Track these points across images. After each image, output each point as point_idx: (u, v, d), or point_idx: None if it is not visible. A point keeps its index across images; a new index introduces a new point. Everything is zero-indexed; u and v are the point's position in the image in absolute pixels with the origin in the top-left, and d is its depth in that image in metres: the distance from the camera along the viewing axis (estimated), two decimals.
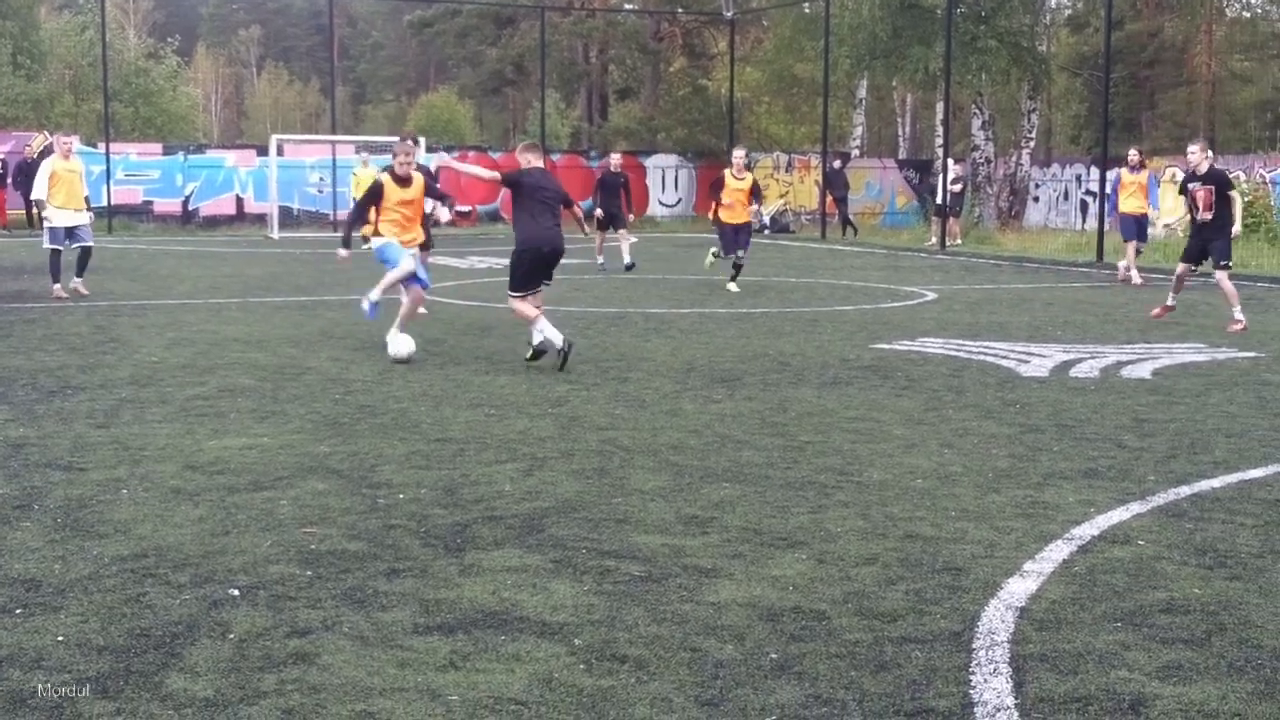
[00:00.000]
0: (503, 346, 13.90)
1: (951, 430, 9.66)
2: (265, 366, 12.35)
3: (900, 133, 63.37)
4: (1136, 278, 23.45)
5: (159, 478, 7.91)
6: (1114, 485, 7.95)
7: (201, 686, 4.72)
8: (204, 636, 5.24)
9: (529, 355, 12.65)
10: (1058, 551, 6.53)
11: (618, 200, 25.56)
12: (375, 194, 13.06)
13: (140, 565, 6.16)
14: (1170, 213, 26.13)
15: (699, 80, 58.29)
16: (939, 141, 42.00)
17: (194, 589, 5.83)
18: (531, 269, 12.64)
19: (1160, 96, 61.50)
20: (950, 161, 36.45)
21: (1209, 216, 16.64)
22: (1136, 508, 7.41)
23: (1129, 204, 23.63)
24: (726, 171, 21.44)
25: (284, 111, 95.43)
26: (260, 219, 39.83)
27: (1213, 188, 16.56)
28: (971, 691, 4.75)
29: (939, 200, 35.87)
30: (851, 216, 40.49)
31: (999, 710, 4.57)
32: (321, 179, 41.81)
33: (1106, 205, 28.59)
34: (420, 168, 14.75)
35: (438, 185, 15.17)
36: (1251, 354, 14.00)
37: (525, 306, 12.56)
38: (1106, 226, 30.98)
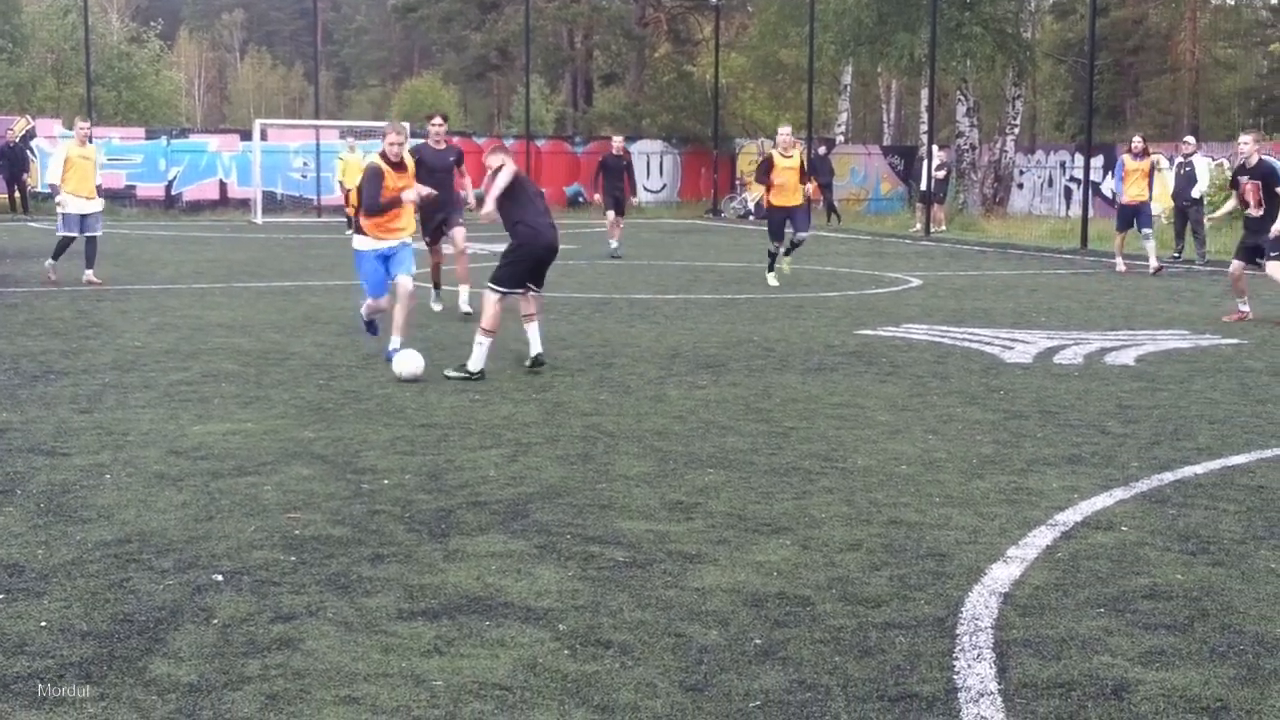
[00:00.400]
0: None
1: (936, 416, 9.67)
2: (249, 352, 12.33)
3: (885, 119, 63.36)
4: (1121, 265, 23.27)
5: (142, 463, 7.89)
6: (1097, 471, 7.97)
7: (185, 672, 4.72)
8: (188, 622, 5.23)
9: (454, 371, 11.11)
10: (1041, 537, 6.55)
11: (620, 184, 25.28)
12: (377, 180, 11.67)
13: (124, 551, 6.15)
14: (1160, 199, 25.76)
15: (684, 66, 58.28)
16: (924, 128, 42.02)
17: (178, 574, 5.82)
18: (530, 267, 11.45)
19: (1144, 83, 61.60)
20: (935, 148, 36.46)
21: (1259, 213, 15.90)
22: (1120, 494, 7.43)
23: (1129, 192, 22.99)
24: (773, 151, 20.23)
25: (267, 96, 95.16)
26: (244, 204, 39.73)
27: (1259, 183, 15.84)
28: (955, 677, 4.76)
29: (924, 186, 35.89)
30: (835, 203, 40.49)
31: (982, 695, 4.59)
32: (305, 164, 41.70)
33: (1110, 191, 28.25)
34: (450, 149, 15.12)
35: (462, 164, 15.37)
36: (1234, 341, 14.04)
37: (498, 310, 11.17)
38: (1091, 212, 31.03)
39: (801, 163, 19.69)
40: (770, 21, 50.11)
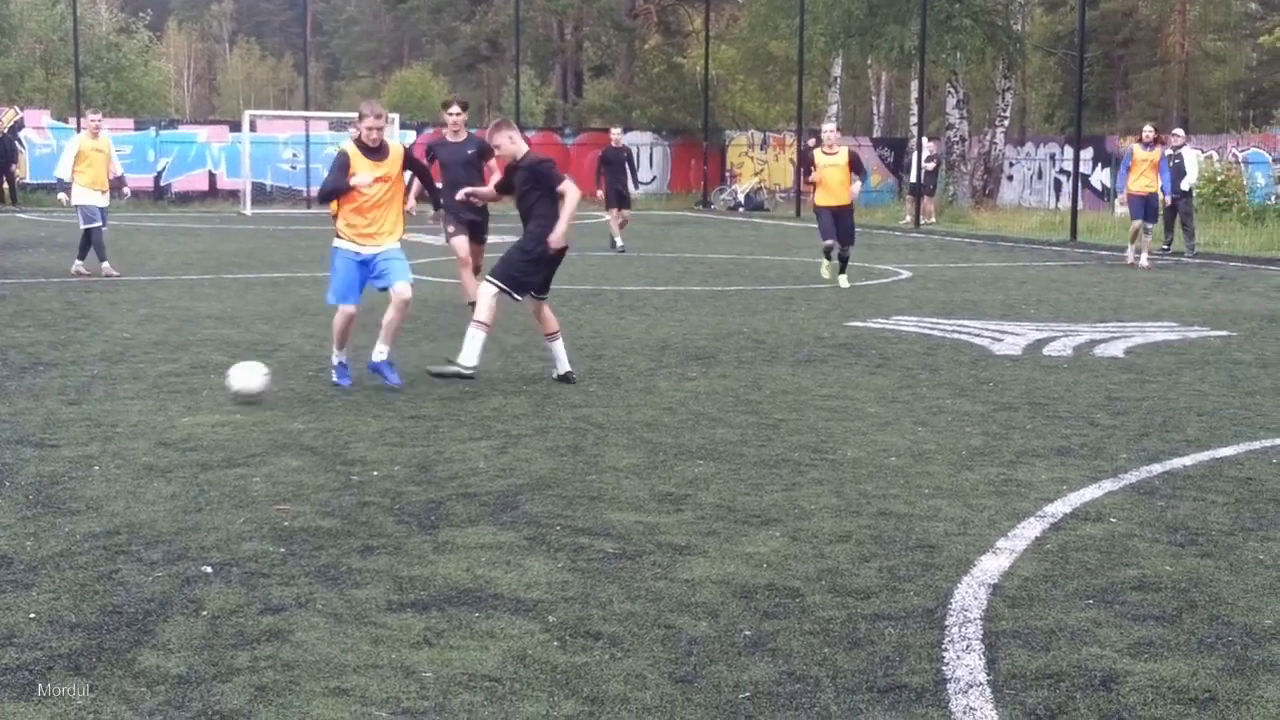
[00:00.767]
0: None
1: (925, 408, 9.68)
2: (238, 343, 12.31)
3: (875, 111, 63.35)
4: (1144, 260, 22.90)
5: (131, 454, 7.88)
6: (1086, 463, 7.98)
7: (174, 664, 4.71)
8: (177, 613, 5.22)
9: (440, 369, 10.28)
10: (1030, 529, 6.56)
11: (623, 177, 24.76)
12: (341, 168, 10.01)
13: (112, 542, 6.14)
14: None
15: (674, 58, 58.23)
16: (914, 120, 42.02)
17: (166, 566, 5.82)
18: (543, 272, 10.45)
19: (1134, 76, 61.64)
20: (925, 140, 36.46)
21: None
22: (1108, 485, 7.44)
23: (1139, 183, 22.80)
24: (816, 149, 19.39)
25: (257, 87, 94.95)
26: (233, 195, 39.67)
27: None
28: (944, 668, 4.77)
29: (913, 179, 35.90)
30: None
31: (971, 686, 4.59)
32: (295, 155, 41.63)
33: (1116, 182, 28.04)
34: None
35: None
36: (1223, 333, 14.07)
37: (495, 305, 10.25)
38: (1080, 204, 31.06)
39: (850, 160, 18.47)
40: (760, 13, 50.07)
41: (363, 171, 9.93)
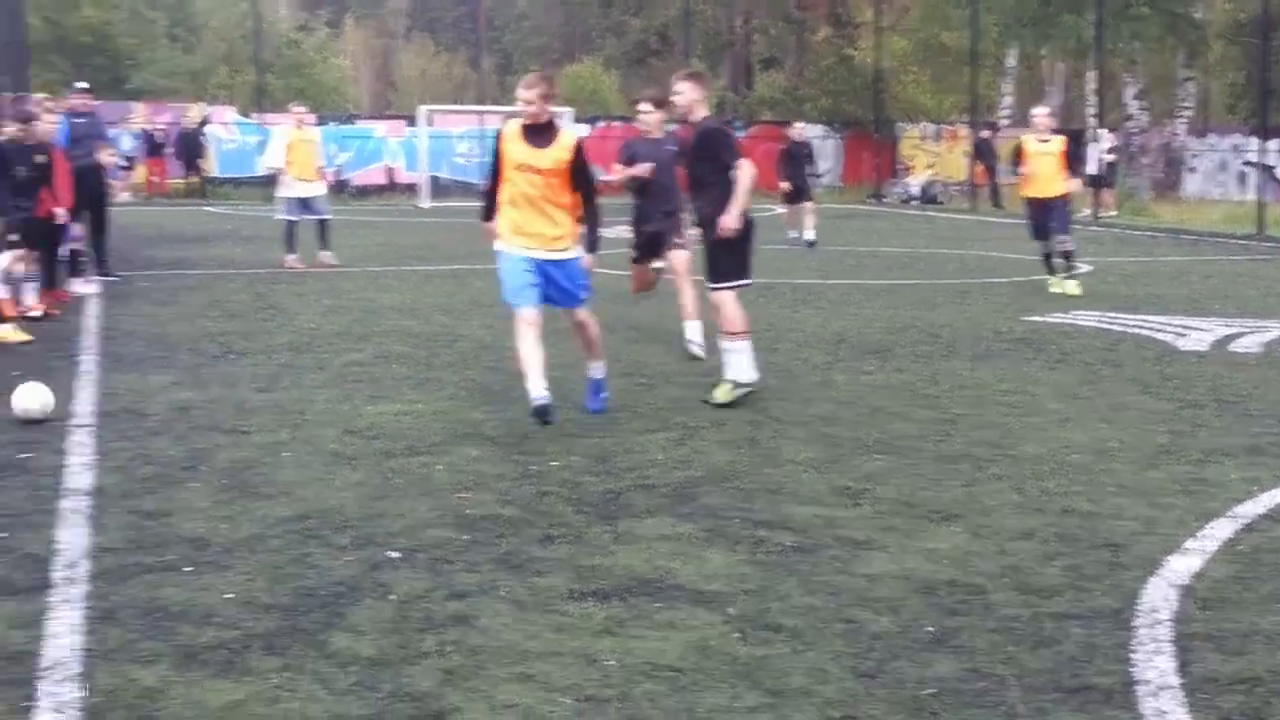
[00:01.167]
0: (652, 317, 13.92)
1: (1108, 404, 9.50)
2: (419, 334, 12.53)
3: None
4: None
5: (319, 441, 8.08)
6: (1279, 463, 7.76)
7: (364, 646, 4.83)
8: (366, 597, 5.35)
9: (721, 396, 9.36)
10: (1221, 529, 6.40)
11: (803, 171, 24.52)
12: (494, 152, 8.65)
13: (303, 526, 6.30)
14: None
15: (844, 50, 57.75)
16: (1091, 111, 41.17)
17: (355, 550, 5.96)
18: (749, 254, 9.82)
19: None
20: (1104, 131, 35.70)
21: None
22: None
23: None
24: (1025, 136, 17.37)
25: (432, 82, 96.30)
26: (410, 188, 40.29)
27: None
28: (1133, 670, 4.69)
29: (1091, 171, 35.18)
30: (999, 187, 39.79)
31: (1162, 689, 4.51)
32: (469, 149, 42.16)
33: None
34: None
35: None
36: None
37: (738, 306, 9.64)
38: (1267, 197, 30.18)
39: (1065, 149, 16.59)
40: (932, 4, 49.39)
41: (517, 154, 8.45)
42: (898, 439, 8.32)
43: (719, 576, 5.67)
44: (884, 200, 42.94)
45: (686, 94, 9.42)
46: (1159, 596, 5.44)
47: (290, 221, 18.97)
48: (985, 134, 40.28)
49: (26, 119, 13.17)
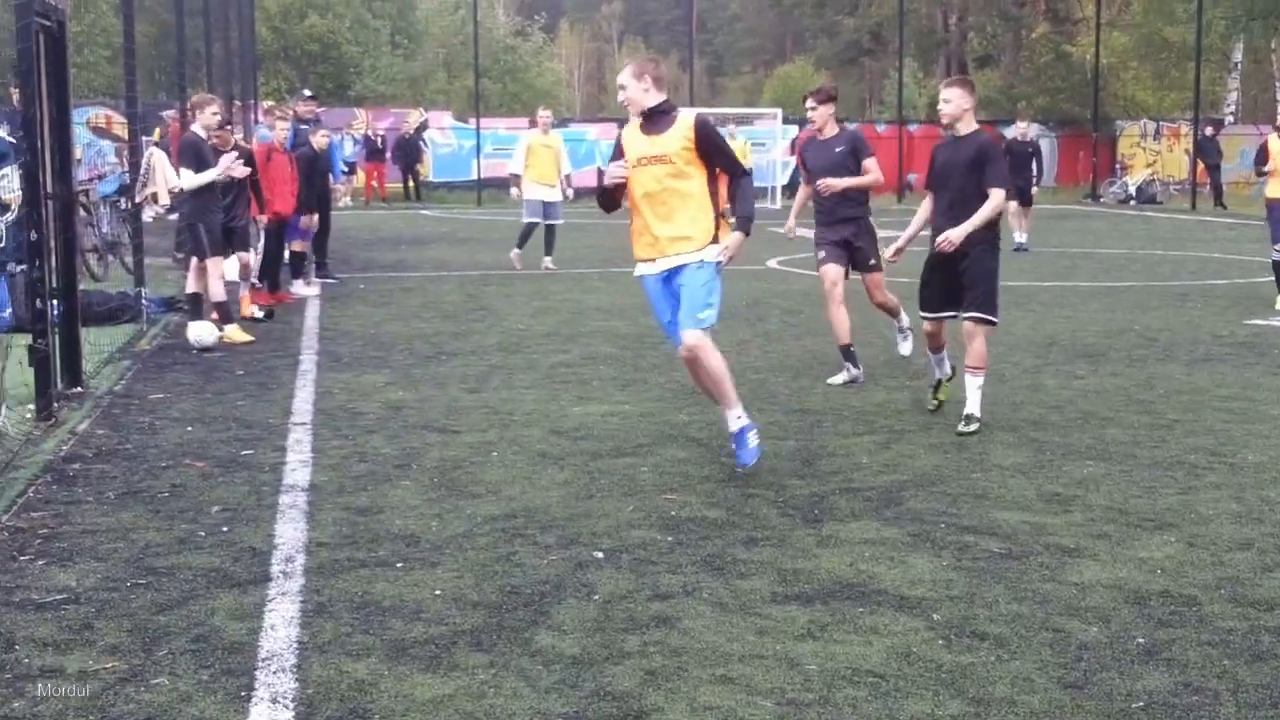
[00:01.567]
0: (859, 319, 13.79)
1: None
2: (625, 335, 12.64)
3: (1279, 98, 60.04)
4: None
5: (526, 441, 8.21)
6: None
7: (568, 644, 4.89)
8: (570, 596, 5.42)
9: (967, 427, 8.50)
10: None
11: (1028, 172, 23.51)
12: (616, 151, 7.65)
13: (510, 525, 6.42)
14: None
15: (1062, 46, 56.55)
16: None
17: (560, 550, 6.04)
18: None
19: None
20: None
21: None
22: None
23: None
24: (1272, 134, 16.15)
25: None
26: None
27: None
28: None
29: None
30: (1223, 185, 38.57)
31: None
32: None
33: None
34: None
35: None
36: None
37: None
38: None
39: None
40: None
41: (632, 151, 7.49)
42: (1110, 444, 8.13)
43: (923, 582, 5.61)
44: (1100, 200, 41.93)
45: (955, 102, 8.55)
46: None
47: (531, 223, 19.25)
48: (1208, 130, 39.04)
49: (221, 124, 13.35)
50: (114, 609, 5.26)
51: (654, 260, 7.41)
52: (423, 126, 39.62)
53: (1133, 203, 39.96)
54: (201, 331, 11.82)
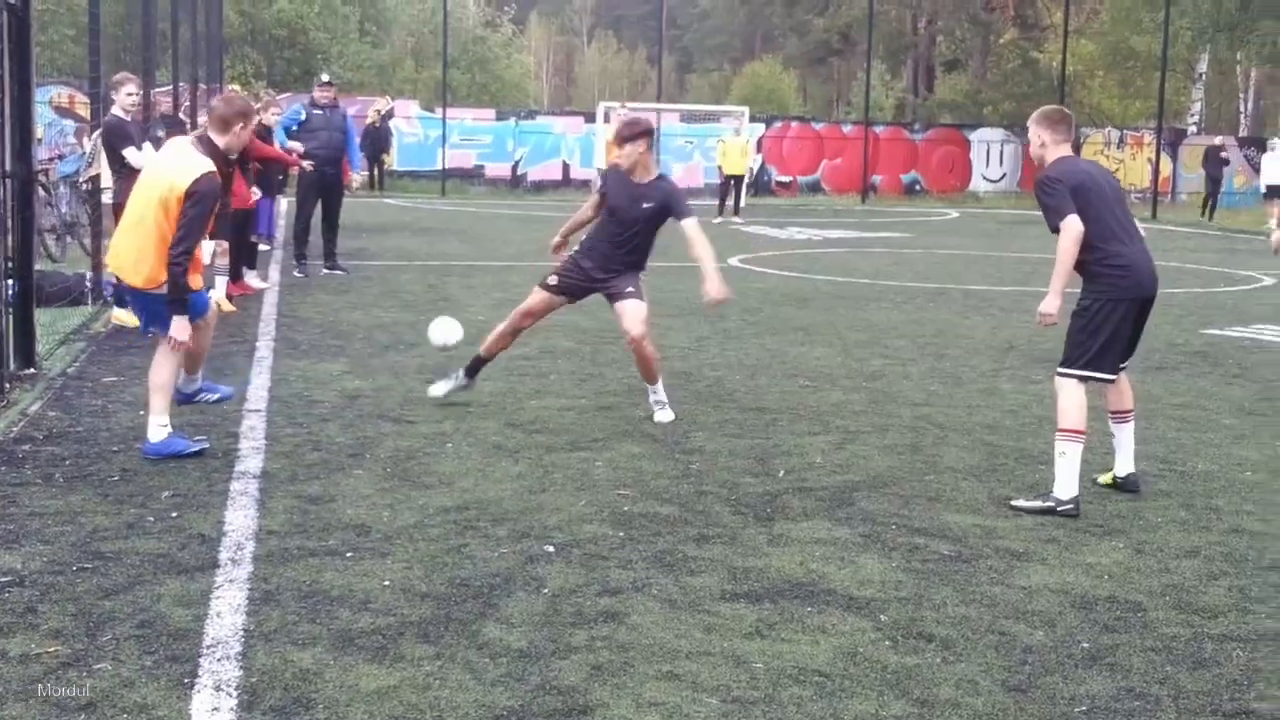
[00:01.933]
0: (820, 319, 13.87)
1: None
2: (585, 330, 12.62)
3: (1242, 109, 60.50)
4: None
5: (482, 433, 8.19)
6: None
7: (516, 638, 4.89)
8: (519, 590, 5.41)
9: (1027, 502, 6.98)
10: None
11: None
12: None
13: (462, 517, 6.40)
14: None
15: (1030, 53, 56.86)
16: None
17: (511, 543, 6.03)
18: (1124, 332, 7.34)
19: None
20: (1277, 140, 34.60)
21: None
22: None
23: None
24: None
25: (611, 79, 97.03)
26: (585, 184, 40.59)
27: None
28: None
29: (1273, 181, 34.16)
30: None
31: None
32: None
33: None
34: None
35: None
36: None
37: (1082, 402, 7.27)
38: None
39: None
40: (1123, 7, 48.42)
41: None
42: None
43: (872, 583, 5.63)
44: None
45: (1034, 137, 7.58)
46: None
47: None
48: (1218, 141, 39.14)
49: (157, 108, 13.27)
50: (58, 593, 5.22)
51: None
52: (389, 115, 39.47)
53: None
54: None
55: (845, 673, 4.67)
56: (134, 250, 7.19)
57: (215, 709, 4.25)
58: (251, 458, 7.39)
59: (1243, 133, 54.68)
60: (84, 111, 27.24)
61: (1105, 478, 7.35)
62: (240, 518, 6.29)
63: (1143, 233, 7.36)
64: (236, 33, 45.43)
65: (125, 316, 12.15)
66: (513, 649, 4.78)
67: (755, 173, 37.73)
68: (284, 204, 20.98)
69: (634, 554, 5.93)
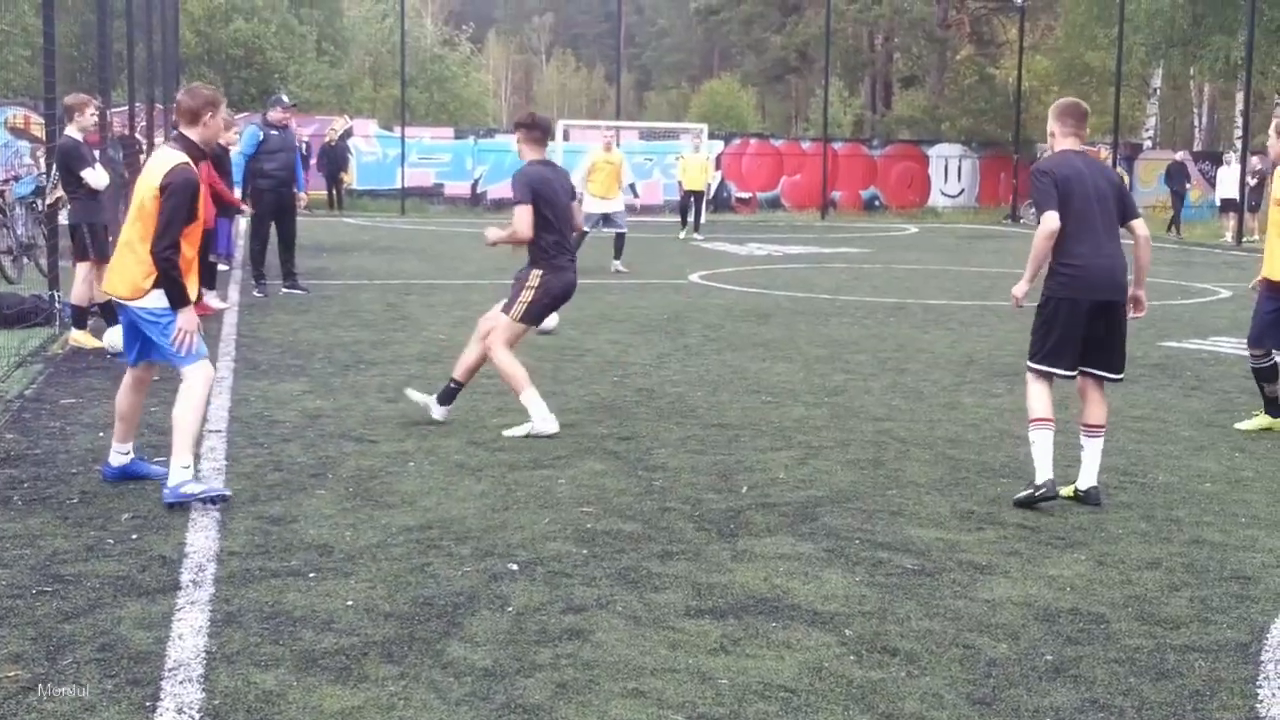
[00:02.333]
0: (780, 334, 13.90)
1: (1243, 433, 9.29)
2: (546, 347, 12.60)
3: (1196, 124, 61.04)
4: None
5: (444, 452, 8.17)
6: None
7: (480, 656, 4.87)
8: (484, 608, 5.40)
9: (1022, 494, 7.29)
10: None
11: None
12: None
13: (425, 536, 6.38)
14: None
15: (986, 69, 57.26)
16: (1238, 133, 40.32)
17: (475, 561, 6.01)
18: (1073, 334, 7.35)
19: None
20: (1252, 155, 34.96)
21: None
22: None
23: None
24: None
25: (570, 97, 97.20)
26: None
27: None
28: (1259, 705, 4.58)
29: (1227, 194, 34.50)
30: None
31: None
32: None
33: None
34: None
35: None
36: None
37: (1042, 396, 7.45)
38: None
39: None
40: (1077, 23, 48.79)
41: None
42: (1024, 463, 8.17)
43: (837, 597, 5.64)
44: (1020, 221, 42.38)
45: (1049, 127, 7.68)
46: None
47: (582, 233, 19.65)
48: (1179, 156, 39.46)
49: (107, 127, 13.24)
50: (18, 616, 5.18)
51: None
52: (347, 134, 39.41)
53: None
54: (115, 336, 11.67)
55: (810, 688, 4.67)
56: (121, 264, 7.04)
57: None
58: (212, 479, 7.34)
59: (1197, 147, 55.17)
60: (39, 132, 27.07)
61: (1066, 490, 7.34)
62: (201, 539, 6.25)
63: (1123, 237, 7.43)
64: (193, 53, 45.29)
65: (83, 338, 12.08)
66: (477, 668, 4.77)
67: (714, 189, 37.85)
68: (242, 224, 20.90)
69: (598, 571, 5.92)
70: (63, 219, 13.31)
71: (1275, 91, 42.35)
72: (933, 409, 9.96)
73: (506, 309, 9.30)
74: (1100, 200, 7.34)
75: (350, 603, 5.42)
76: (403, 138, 39.14)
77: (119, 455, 7.33)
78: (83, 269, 12.18)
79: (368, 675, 4.68)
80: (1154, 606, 5.61)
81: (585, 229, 19.54)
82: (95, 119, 12.55)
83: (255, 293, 16.34)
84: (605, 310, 15.87)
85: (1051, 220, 7.17)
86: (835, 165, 43.25)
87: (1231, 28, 38.04)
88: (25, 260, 17.43)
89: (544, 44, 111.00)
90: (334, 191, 37.88)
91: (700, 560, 6.12)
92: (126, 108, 21.53)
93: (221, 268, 16.80)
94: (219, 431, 8.60)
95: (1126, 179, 39.37)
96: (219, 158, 15.32)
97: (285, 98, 17.81)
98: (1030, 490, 7.20)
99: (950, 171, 46.08)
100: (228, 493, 6.91)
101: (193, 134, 7.18)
